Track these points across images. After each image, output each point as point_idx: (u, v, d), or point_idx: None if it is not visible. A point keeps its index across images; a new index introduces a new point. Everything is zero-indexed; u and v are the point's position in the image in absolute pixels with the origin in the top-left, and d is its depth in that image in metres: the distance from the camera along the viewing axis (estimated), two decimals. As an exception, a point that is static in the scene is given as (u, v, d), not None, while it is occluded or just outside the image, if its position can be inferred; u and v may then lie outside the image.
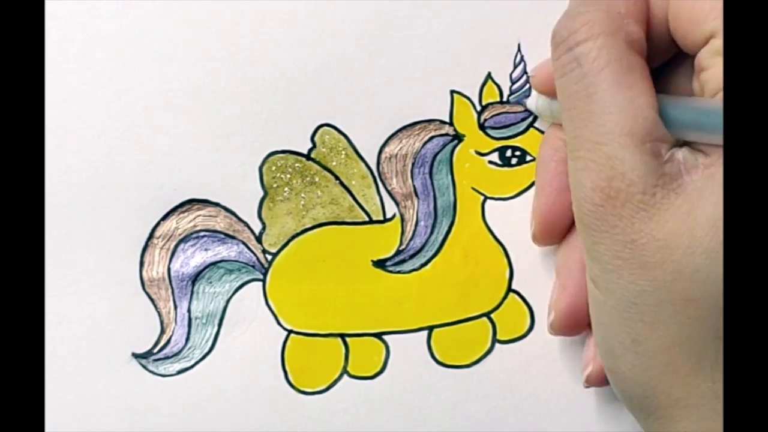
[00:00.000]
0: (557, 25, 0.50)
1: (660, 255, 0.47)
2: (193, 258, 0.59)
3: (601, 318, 0.51)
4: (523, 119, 0.59)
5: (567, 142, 0.50)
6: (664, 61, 0.53)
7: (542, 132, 0.59)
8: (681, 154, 0.47)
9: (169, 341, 0.59)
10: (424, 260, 0.60)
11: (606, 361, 0.52)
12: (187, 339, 0.59)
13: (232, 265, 0.59)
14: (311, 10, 0.57)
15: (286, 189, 0.59)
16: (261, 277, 0.59)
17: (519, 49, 0.58)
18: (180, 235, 0.59)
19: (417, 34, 0.58)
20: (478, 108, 0.59)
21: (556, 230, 0.56)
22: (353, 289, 0.60)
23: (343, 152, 0.59)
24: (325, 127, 0.58)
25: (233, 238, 0.59)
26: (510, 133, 0.59)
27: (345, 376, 0.60)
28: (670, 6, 0.49)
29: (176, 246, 0.59)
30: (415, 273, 0.60)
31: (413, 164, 0.59)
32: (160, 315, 0.59)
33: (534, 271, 0.60)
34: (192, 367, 0.60)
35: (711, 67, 0.47)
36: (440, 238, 0.60)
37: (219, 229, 0.59)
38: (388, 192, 0.59)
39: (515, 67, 0.58)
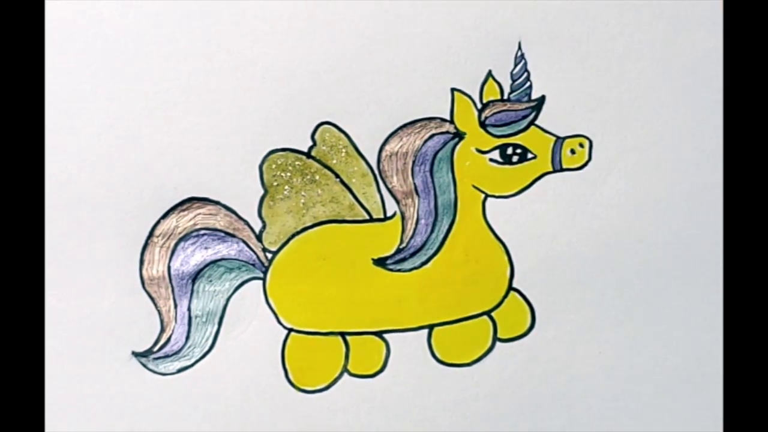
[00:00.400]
0: None
1: None
2: (193, 256, 0.59)
3: None
4: (524, 117, 0.59)
5: None
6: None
7: (543, 129, 0.59)
8: None
9: (169, 340, 0.59)
10: (424, 258, 0.60)
11: None
12: (187, 337, 0.59)
13: (232, 263, 0.59)
14: (311, 9, 0.57)
15: (286, 187, 0.59)
16: (261, 275, 0.59)
17: (519, 47, 0.58)
18: (180, 233, 0.59)
19: (417, 33, 0.58)
20: (479, 106, 0.59)
21: None
22: (354, 288, 0.60)
23: (344, 150, 0.59)
24: (326, 125, 0.58)
25: (233, 236, 0.59)
26: (511, 131, 0.59)
27: (345, 375, 0.61)
28: None
29: (176, 244, 0.59)
30: (415, 271, 0.60)
31: (414, 162, 0.59)
32: (160, 313, 0.59)
33: (535, 269, 0.60)
34: (192, 365, 0.60)
35: None
36: (441, 236, 0.60)
37: (219, 227, 0.59)
38: (389, 190, 0.59)
39: (516, 64, 0.58)
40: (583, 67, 0.58)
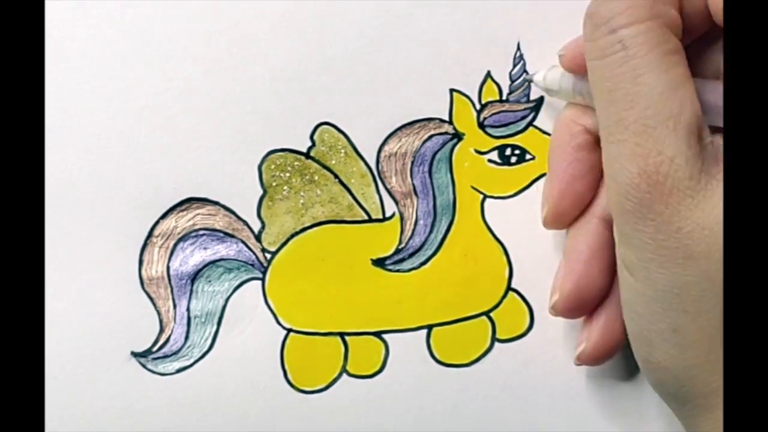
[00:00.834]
0: (595, 6, 0.49)
1: (705, 244, 0.46)
2: (192, 257, 0.59)
3: (636, 307, 0.50)
4: (523, 117, 0.59)
5: (603, 126, 0.49)
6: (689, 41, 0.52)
7: (542, 130, 0.59)
8: (719, 139, 0.47)
9: (168, 340, 0.59)
10: (423, 259, 0.60)
11: (639, 350, 0.52)
12: (186, 338, 0.59)
13: (231, 263, 0.59)
14: (310, 9, 0.57)
15: (285, 187, 0.59)
16: (260, 275, 0.59)
17: (518, 48, 0.58)
18: (179, 233, 0.59)
19: (416, 33, 0.58)
20: (478, 106, 0.59)
21: (567, 215, 0.56)
22: (352, 288, 0.60)
23: (343, 151, 0.59)
24: (325, 126, 0.58)
25: (232, 236, 0.59)
26: (509, 132, 0.59)
27: (344, 375, 0.61)
28: None
29: (175, 245, 0.59)
30: (414, 272, 0.60)
31: (413, 163, 0.59)
32: (159, 314, 0.59)
33: (534, 269, 0.60)
34: (191, 365, 0.60)
35: None
36: (439, 236, 0.60)
37: (218, 227, 0.59)
38: (388, 191, 0.59)
39: (514, 65, 0.58)
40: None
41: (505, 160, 0.59)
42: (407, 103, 0.58)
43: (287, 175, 0.59)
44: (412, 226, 0.60)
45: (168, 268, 0.59)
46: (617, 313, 0.54)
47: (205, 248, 0.59)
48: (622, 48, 0.47)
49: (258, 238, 0.59)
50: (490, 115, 0.59)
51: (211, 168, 0.58)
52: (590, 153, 0.55)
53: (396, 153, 0.59)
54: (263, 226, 0.59)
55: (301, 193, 0.59)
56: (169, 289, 0.59)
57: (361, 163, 0.59)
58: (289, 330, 0.60)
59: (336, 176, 0.59)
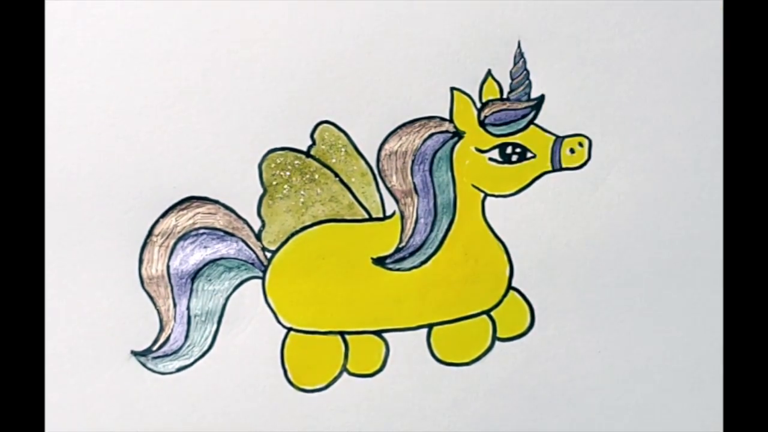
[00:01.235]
0: None
1: None
2: (192, 255, 0.59)
3: None
4: (524, 116, 0.59)
5: None
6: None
7: (543, 129, 0.59)
8: None
9: (168, 339, 0.59)
10: (424, 258, 0.60)
11: None
12: (187, 336, 0.60)
13: (231, 262, 0.60)
14: (311, 9, 0.57)
15: (285, 186, 0.59)
16: (260, 274, 0.60)
17: (519, 46, 0.58)
18: (179, 232, 0.59)
19: (417, 32, 0.58)
20: (479, 105, 0.59)
21: None
22: (353, 287, 0.60)
23: (343, 149, 0.59)
24: (325, 124, 0.58)
25: (232, 235, 0.59)
26: (510, 130, 0.59)
27: (344, 374, 0.61)
28: None
29: (175, 243, 0.59)
30: (415, 270, 0.60)
31: (413, 161, 0.59)
32: (159, 313, 0.59)
33: (534, 268, 0.60)
34: (191, 364, 0.60)
35: None
36: (440, 235, 0.60)
37: (218, 226, 0.59)
38: (388, 189, 0.59)
39: (515, 64, 0.58)
40: (582, 67, 0.59)
41: (506, 159, 0.59)
42: (408, 102, 0.58)
43: (287, 173, 0.59)
44: (412, 225, 0.59)
45: (168, 266, 0.59)
46: None
47: (205, 247, 0.59)
48: None
49: (258, 236, 0.59)
50: (491, 114, 0.59)
51: (211, 167, 0.58)
52: None
53: (396, 151, 0.59)
54: (263, 225, 0.59)
55: (302, 192, 0.59)
56: (169, 288, 0.59)
57: (362, 162, 0.59)
58: (290, 329, 0.60)
59: (336, 175, 0.59)
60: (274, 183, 0.59)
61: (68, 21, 0.57)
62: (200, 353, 0.60)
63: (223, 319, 0.60)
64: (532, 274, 0.60)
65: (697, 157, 0.60)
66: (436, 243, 0.60)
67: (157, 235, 0.59)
